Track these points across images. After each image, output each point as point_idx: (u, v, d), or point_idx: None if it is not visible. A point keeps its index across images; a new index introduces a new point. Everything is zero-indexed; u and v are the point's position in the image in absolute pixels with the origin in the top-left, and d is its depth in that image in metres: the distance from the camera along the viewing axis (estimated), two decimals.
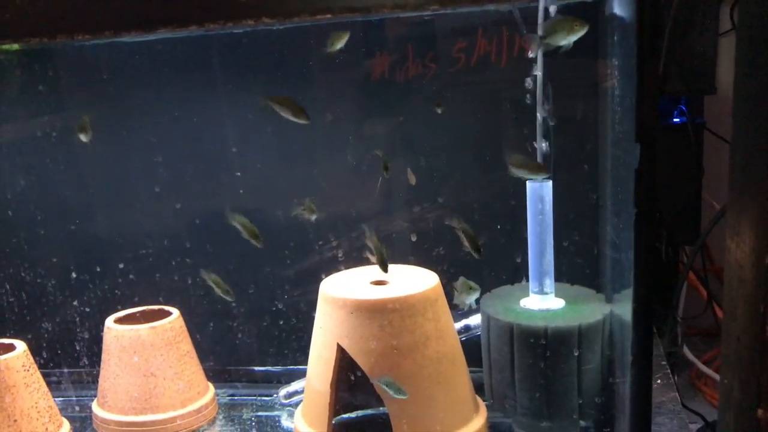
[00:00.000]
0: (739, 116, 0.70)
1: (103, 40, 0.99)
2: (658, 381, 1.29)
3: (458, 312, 1.32)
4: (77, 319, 1.55)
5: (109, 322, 1.34)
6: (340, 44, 1.11)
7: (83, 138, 1.23)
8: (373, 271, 1.29)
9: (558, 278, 1.23)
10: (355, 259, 1.43)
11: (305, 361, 1.26)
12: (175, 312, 1.37)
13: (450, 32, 1.33)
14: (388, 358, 1.13)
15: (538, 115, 1.18)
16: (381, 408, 1.27)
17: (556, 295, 1.22)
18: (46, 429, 1.24)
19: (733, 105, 0.71)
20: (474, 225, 1.39)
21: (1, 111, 1.51)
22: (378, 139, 1.42)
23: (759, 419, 0.67)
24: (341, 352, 1.16)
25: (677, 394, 1.25)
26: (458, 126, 1.38)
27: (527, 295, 1.23)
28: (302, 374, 1.32)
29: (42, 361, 1.53)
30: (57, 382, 1.54)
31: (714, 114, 1.69)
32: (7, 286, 1.56)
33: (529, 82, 1.16)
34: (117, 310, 1.39)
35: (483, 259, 1.37)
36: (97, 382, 1.36)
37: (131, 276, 1.52)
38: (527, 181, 1.19)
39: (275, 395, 1.42)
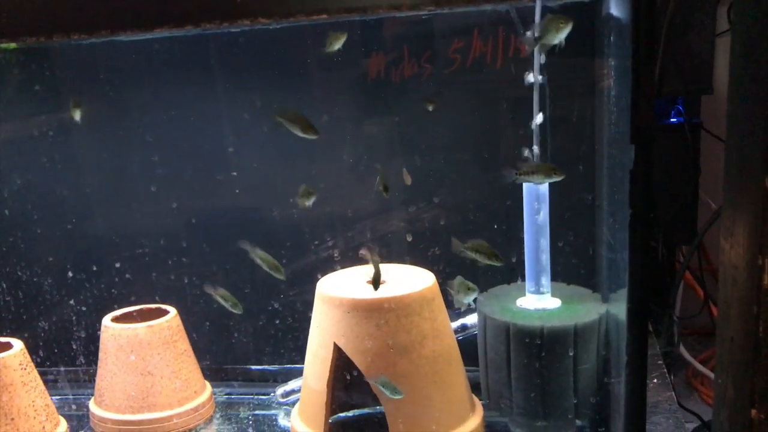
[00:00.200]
0: (733, 117, 0.70)
1: (99, 39, 0.99)
2: (655, 380, 1.29)
3: (455, 311, 1.32)
4: (74, 317, 1.55)
5: (107, 320, 1.34)
6: (338, 45, 1.11)
7: (75, 116, 1.20)
8: (370, 270, 1.29)
9: (554, 278, 1.23)
10: (351, 258, 1.43)
11: (302, 360, 1.26)
12: (172, 311, 1.37)
13: (446, 32, 1.33)
14: (385, 357, 1.13)
15: (534, 115, 1.18)
16: (377, 407, 1.27)
17: (553, 295, 1.22)
18: (43, 427, 1.24)
19: (728, 106, 0.71)
20: (470, 225, 1.39)
21: None
22: (374, 138, 1.42)
23: (752, 419, 0.68)
24: (338, 351, 1.16)
25: (673, 393, 1.25)
26: (454, 126, 1.38)
27: (524, 294, 1.23)
28: (299, 373, 1.33)
29: (39, 360, 1.54)
30: (54, 381, 1.54)
31: (711, 114, 1.68)
32: (4, 285, 1.56)
33: (530, 77, 1.16)
34: (113, 309, 1.39)
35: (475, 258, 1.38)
36: (94, 380, 1.37)
37: (128, 275, 1.52)
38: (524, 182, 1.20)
39: (272, 394, 1.42)
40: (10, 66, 1.48)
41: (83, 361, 1.55)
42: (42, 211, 1.53)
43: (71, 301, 1.55)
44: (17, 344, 1.25)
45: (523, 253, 1.22)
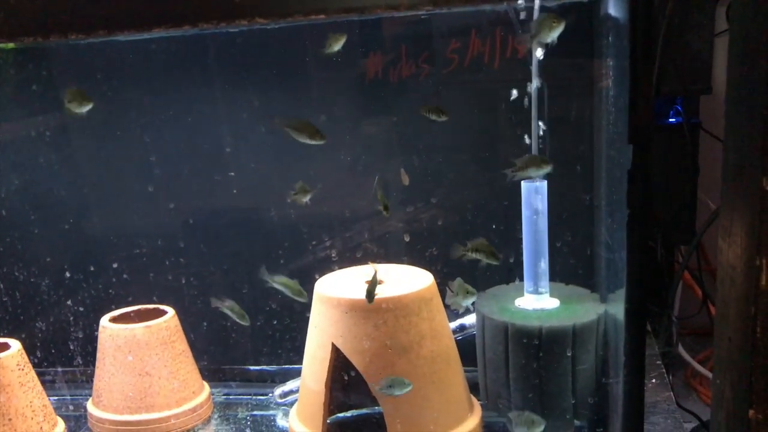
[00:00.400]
0: (731, 117, 0.70)
1: (97, 39, 0.99)
2: (653, 380, 1.29)
3: (453, 312, 1.32)
4: (71, 318, 1.55)
5: (104, 321, 1.34)
6: (337, 46, 1.11)
7: (76, 109, 1.13)
8: (368, 270, 1.29)
9: (552, 278, 1.23)
10: (349, 259, 1.43)
11: (300, 361, 1.26)
12: (170, 311, 1.37)
13: (444, 32, 1.33)
14: (383, 357, 1.13)
15: (532, 115, 1.18)
16: (375, 407, 1.27)
17: (551, 295, 1.22)
18: (41, 428, 1.24)
19: (726, 106, 0.71)
20: (468, 225, 1.39)
21: None
22: (372, 139, 1.42)
23: (750, 419, 0.68)
24: (336, 351, 1.16)
25: (672, 393, 1.25)
26: (452, 126, 1.37)
27: (522, 294, 1.23)
28: (297, 373, 1.32)
29: (36, 360, 1.53)
30: (51, 381, 1.53)
31: (710, 114, 1.68)
32: (1, 286, 1.56)
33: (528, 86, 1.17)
34: (111, 310, 1.39)
35: (477, 259, 1.37)
36: (92, 381, 1.36)
37: (125, 275, 1.52)
38: (522, 181, 1.19)
39: (270, 394, 1.42)
40: (7, 66, 1.48)
41: (81, 362, 1.55)
42: (39, 212, 1.53)
43: (69, 302, 1.55)
44: (15, 345, 1.25)
45: (522, 253, 1.21)
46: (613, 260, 1.05)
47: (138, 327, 1.31)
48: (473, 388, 1.26)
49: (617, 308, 1.02)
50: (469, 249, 1.10)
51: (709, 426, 0.78)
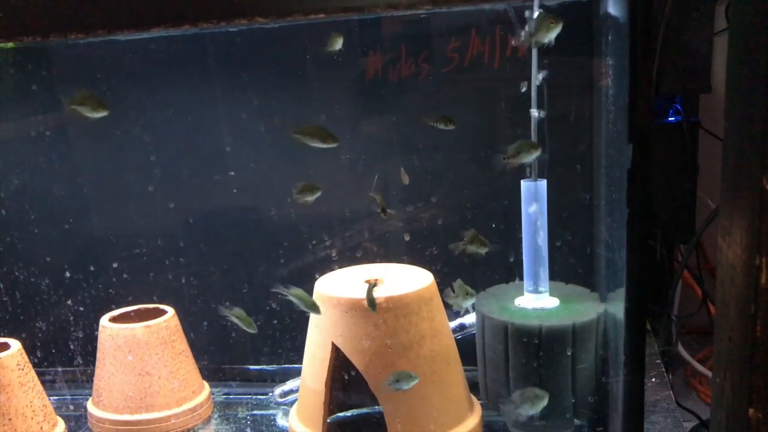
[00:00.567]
0: (731, 116, 0.70)
1: (96, 38, 0.99)
2: (653, 379, 1.29)
3: (453, 311, 1.32)
4: (71, 318, 1.55)
5: (104, 320, 1.34)
6: (338, 45, 1.11)
7: (88, 113, 1.09)
8: (368, 270, 1.29)
9: (552, 277, 1.23)
10: (349, 258, 1.43)
11: (299, 360, 1.26)
12: (170, 311, 1.37)
13: (443, 32, 1.33)
14: (383, 357, 1.13)
15: (532, 114, 1.18)
16: (375, 407, 1.27)
17: (551, 294, 1.22)
18: (41, 428, 1.24)
19: (726, 105, 0.71)
20: (468, 224, 1.39)
21: None
22: (371, 138, 1.42)
23: (750, 418, 0.68)
24: (336, 351, 1.16)
25: (672, 392, 1.26)
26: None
27: (522, 294, 1.23)
28: (297, 373, 1.32)
29: (36, 360, 1.53)
30: (51, 381, 1.53)
31: (709, 113, 1.68)
32: (1, 286, 1.56)
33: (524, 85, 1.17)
34: (111, 309, 1.39)
35: (476, 258, 1.37)
36: (92, 381, 1.36)
37: (125, 275, 1.52)
38: (522, 180, 1.19)
39: (270, 394, 1.42)
40: (6, 65, 1.48)
41: (81, 362, 1.55)
42: (39, 211, 1.53)
43: (69, 302, 1.55)
44: (15, 344, 1.25)
45: (521, 252, 1.21)
46: (613, 259, 1.05)
47: (138, 327, 1.31)
48: (473, 387, 1.26)
49: (617, 307, 1.02)
50: (466, 242, 1.10)
51: (709, 425, 0.78)
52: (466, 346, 1.26)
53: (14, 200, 1.53)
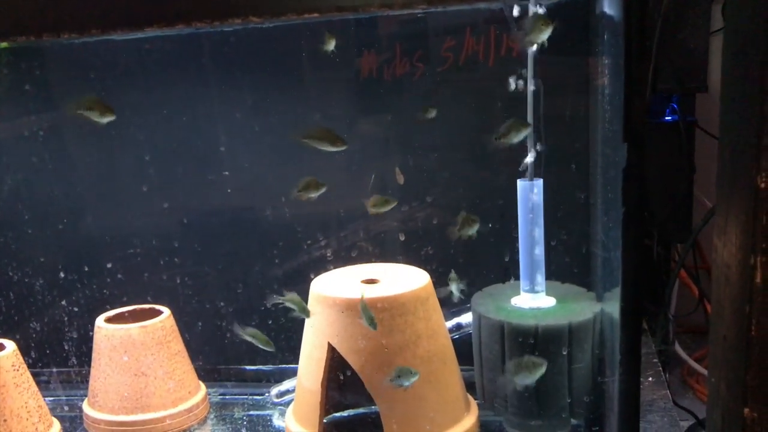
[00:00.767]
0: (726, 115, 0.70)
1: (90, 38, 0.98)
2: (650, 379, 1.29)
3: (450, 311, 1.32)
4: (66, 318, 1.54)
5: (100, 321, 1.34)
6: (332, 45, 1.11)
7: (97, 119, 1.09)
8: (364, 270, 1.29)
9: (548, 277, 1.23)
10: (344, 258, 1.43)
11: (296, 360, 1.26)
12: (166, 311, 1.36)
13: (438, 31, 1.33)
14: (379, 357, 1.13)
15: (528, 113, 1.18)
16: (372, 407, 1.27)
17: (547, 294, 1.22)
18: (36, 429, 1.23)
19: (721, 104, 0.70)
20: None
21: None
22: (366, 137, 1.42)
23: (745, 417, 0.68)
24: (332, 351, 1.16)
25: (668, 391, 1.25)
26: (447, 125, 1.37)
27: (518, 293, 1.23)
28: (293, 373, 1.32)
29: (31, 361, 1.53)
30: (46, 382, 1.53)
31: (705, 112, 1.69)
32: None
33: (519, 83, 1.16)
34: (105, 310, 1.38)
35: (472, 257, 1.37)
36: (87, 381, 1.36)
37: (120, 275, 1.51)
38: (518, 180, 1.19)
39: (266, 394, 1.42)
40: (0, 65, 1.48)
41: (76, 362, 1.54)
42: (33, 211, 1.52)
43: (63, 302, 1.54)
44: (9, 345, 1.25)
45: (517, 251, 1.21)
46: (609, 259, 1.05)
47: (133, 327, 1.30)
48: (470, 387, 1.25)
49: (613, 307, 1.02)
50: (460, 227, 1.10)
51: (705, 424, 0.78)
52: (463, 345, 1.26)
53: (8, 200, 1.52)
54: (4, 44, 1.37)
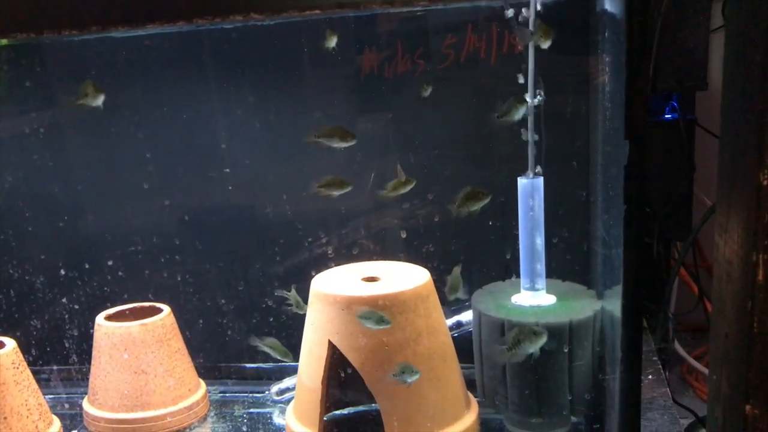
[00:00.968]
0: (727, 113, 0.70)
1: (90, 35, 0.98)
2: (650, 377, 1.29)
3: (450, 309, 1.32)
4: (66, 316, 1.54)
5: (100, 319, 1.34)
6: (333, 42, 1.11)
7: (92, 102, 1.10)
8: (365, 267, 1.29)
9: (549, 274, 1.23)
10: (345, 255, 1.42)
11: (296, 358, 1.26)
12: (166, 309, 1.36)
13: (439, 28, 1.33)
14: (379, 354, 1.13)
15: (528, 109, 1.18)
16: (372, 404, 1.27)
17: (547, 292, 1.22)
18: (37, 427, 1.23)
19: (722, 102, 0.71)
20: (464, 221, 1.39)
21: None
22: (367, 135, 1.42)
23: (747, 414, 0.68)
24: (332, 348, 1.16)
25: (668, 389, 1.25)
26: (448, 122, 1.37)
27: (518, 291, 1.23)
28: (293, 371, 1.32)
29: (31, 359, 1.53)
30: (47, 380, 1.53)
31: (705, 110, 1.69)
32: None
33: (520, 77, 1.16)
34: (106, 308, 1.38)
35: (473, 255, 1.37)
36: (87, 379, 1.36)
37: (120, 273, 1.51)
38: (518, 178, 1.19)
39: (267, 392, 1.42)
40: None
41: (76, 360, 1.54)
42: (34, 209, 1.52)
43: (64, 300, 1.54)
44: (10, 343, 1.25)
45: (518, 249, 1.21)
46: (610, 256, 1.05)
47: (134, 325, 1.30)
48: (470, 384, 1.26)
49: (613, 304, 1.02)
50: (459, 203, 1.10)
51: (706, 422, 0.78)
52: (463, 343, 1.26)
53: (8, 198, 1.52)
54: (4, 41, 1.37)
